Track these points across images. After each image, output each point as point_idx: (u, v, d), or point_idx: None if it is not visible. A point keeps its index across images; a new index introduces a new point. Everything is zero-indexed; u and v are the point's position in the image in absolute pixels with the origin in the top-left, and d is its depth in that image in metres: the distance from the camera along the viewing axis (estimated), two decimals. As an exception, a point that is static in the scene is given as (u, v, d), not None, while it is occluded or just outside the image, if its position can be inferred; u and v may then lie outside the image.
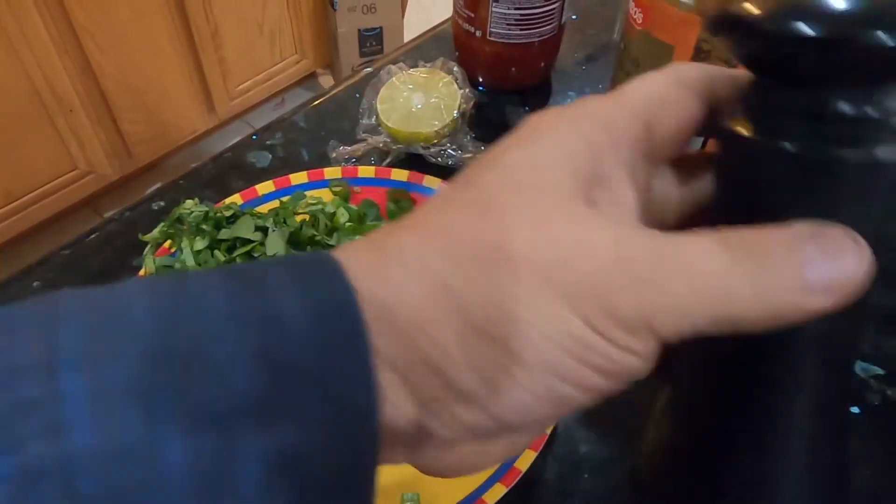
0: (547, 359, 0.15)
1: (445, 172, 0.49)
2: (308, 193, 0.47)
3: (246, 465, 0.13)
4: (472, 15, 0.53)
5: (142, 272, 0.41)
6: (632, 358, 0.15)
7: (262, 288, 0.15)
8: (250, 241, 0.39)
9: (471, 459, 0.17)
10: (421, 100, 0.51)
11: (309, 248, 0.40)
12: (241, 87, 1.82)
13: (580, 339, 0.14)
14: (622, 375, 0.15)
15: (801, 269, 0.14)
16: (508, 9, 0.51)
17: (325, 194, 0.47)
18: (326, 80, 2.04)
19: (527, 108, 0.56)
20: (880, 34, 0.14)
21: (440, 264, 0.15)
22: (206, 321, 0.14)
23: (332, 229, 0.43)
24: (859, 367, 0.41)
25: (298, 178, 0.48)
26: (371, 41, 1.93)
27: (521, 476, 0.35)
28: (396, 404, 0.15)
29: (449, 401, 0.15)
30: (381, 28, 1.92)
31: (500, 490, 0.35)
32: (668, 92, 0.19)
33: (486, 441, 0.17)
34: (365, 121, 0.52)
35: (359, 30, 1.91)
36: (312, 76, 1.99)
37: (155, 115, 1.66)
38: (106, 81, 1.53)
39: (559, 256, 0.15)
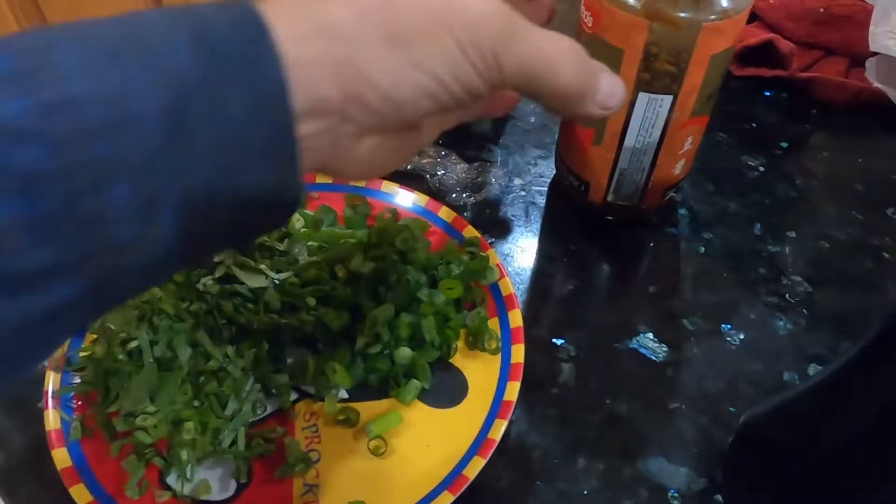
0: (433, 66, 0.21)
1: (403, 177, 0.48)
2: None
3: (199, 128, 0.18)
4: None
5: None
6: (476, 79, 0.22)
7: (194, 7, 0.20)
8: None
9: (377, 156, 0.23)
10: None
11: (258, 254, 0.40)
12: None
13: (453, 59, 0.22)
14: (469, 87, 0.22)
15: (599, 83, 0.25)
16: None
17: (281, 200, 0.46)
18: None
19: (489, 114, 0.56)
20: None
21: None
22: (152, 26, 0.18)
23: (285, 234, 0.42)
24: None
25: (255, 183, 0.47)
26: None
27: (469, 484, 0.34)
28: (322, 88, 0.20)
29: (362, 88, 0.21)
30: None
31: (447, 498, 0.34)
32: None
33: (388, 135, 0.23)
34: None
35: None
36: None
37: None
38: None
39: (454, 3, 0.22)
